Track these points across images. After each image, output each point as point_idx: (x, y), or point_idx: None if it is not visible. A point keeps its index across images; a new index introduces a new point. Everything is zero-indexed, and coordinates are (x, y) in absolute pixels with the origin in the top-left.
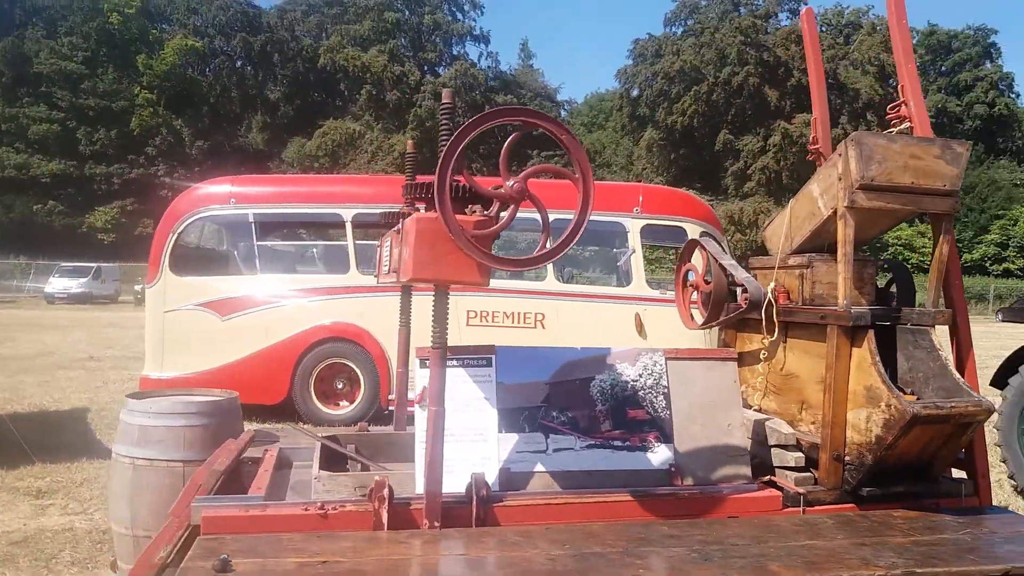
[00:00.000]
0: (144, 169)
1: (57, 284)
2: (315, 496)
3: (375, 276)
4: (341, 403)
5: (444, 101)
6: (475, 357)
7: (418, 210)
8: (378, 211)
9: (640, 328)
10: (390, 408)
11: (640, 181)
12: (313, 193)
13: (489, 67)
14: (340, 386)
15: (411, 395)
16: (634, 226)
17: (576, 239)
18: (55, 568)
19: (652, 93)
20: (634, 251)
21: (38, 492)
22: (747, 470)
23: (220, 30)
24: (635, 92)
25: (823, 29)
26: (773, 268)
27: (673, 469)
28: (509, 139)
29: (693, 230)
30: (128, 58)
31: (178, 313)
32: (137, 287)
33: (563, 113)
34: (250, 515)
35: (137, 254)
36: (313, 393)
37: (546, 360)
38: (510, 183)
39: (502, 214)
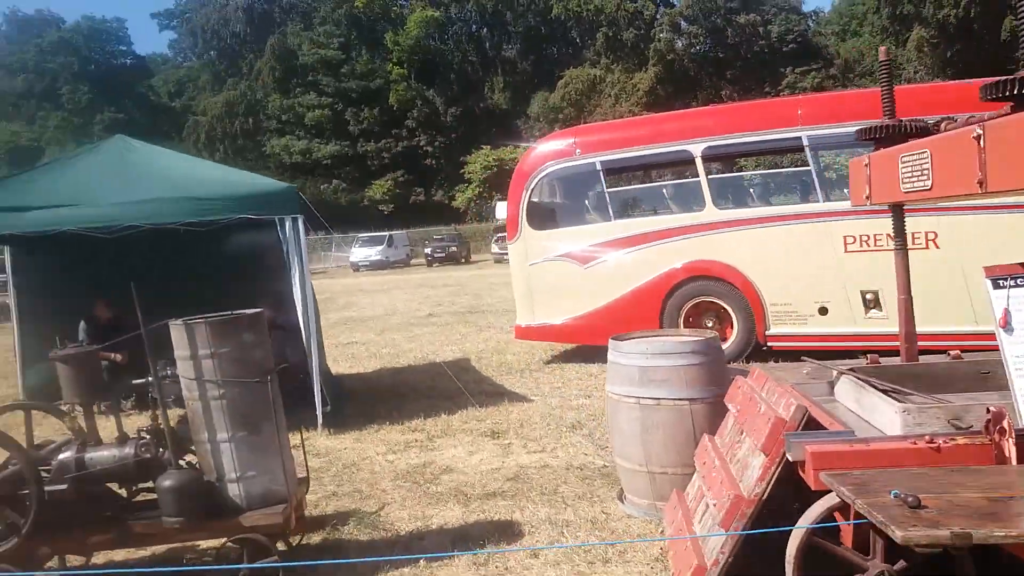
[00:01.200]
0: (407, 141)
1: (359, 253)
2: (904, 429)
3: (866, 198)
4: None
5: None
6: None
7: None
8: (729, 142)
9: None
10: (768, 344)
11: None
12: (657, 132)
13: None
14: (710, 324)
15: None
16: None
17: None
18: (567, 500)
19: None
20: None
21: (492, 433)
22: None
23: None
24: None
25: None
26: None
27: None
28: None
29: None
30: (377, 38)
31: (541, 265)
32: (427, 250)
33: (811, 24)
34: (855, 450)
35: (416, 220)
36: None
37: None
38: None
39: None
